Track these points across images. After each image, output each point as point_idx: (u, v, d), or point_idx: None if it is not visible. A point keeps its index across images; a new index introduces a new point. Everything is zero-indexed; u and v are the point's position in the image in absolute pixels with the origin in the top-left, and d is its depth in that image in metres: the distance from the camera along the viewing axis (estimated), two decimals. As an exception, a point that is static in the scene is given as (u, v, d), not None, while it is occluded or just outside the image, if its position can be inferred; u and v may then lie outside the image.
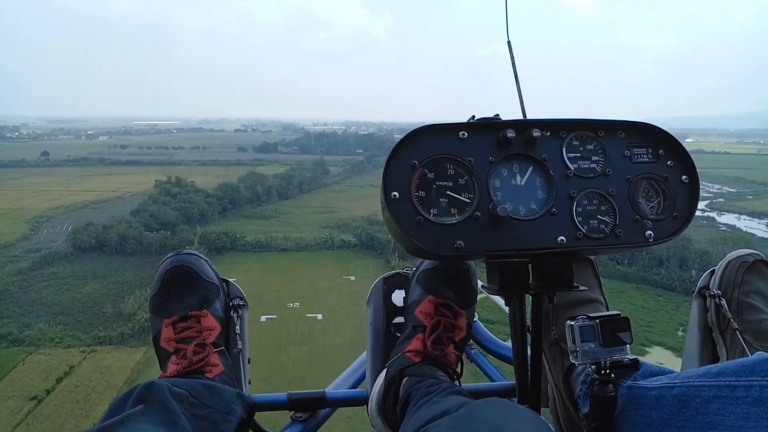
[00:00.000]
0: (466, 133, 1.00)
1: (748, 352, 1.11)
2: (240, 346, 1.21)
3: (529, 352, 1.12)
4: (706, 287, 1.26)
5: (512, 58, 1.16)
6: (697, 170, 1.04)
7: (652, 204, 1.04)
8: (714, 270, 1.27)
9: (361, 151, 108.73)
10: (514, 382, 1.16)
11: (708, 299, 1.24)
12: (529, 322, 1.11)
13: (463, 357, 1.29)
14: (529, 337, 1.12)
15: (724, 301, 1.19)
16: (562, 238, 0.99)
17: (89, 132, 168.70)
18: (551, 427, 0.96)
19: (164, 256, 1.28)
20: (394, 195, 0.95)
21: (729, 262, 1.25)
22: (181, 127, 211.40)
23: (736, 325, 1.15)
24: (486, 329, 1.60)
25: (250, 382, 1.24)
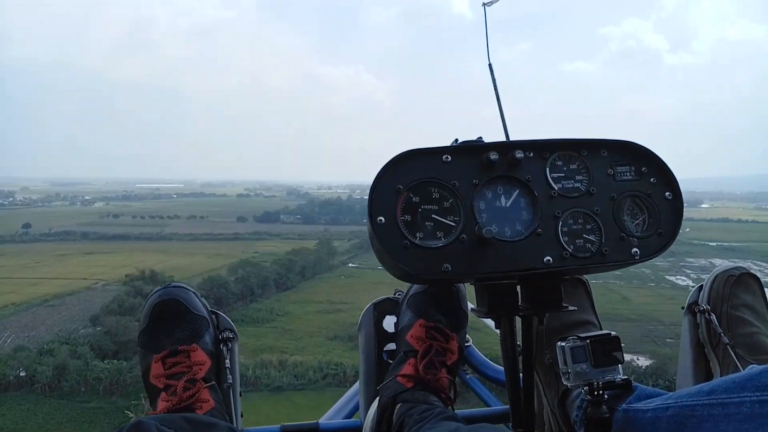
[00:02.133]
0: (449, 157, 1.01)
1: (740, 366, 1.12)
2: (230, 380, 1.20)
3: (521, 375, 1.13)
4: (695, 303, 1.26)
5: (494, 80, 1.18)
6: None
7: (637, 221, 1.04)
8: (702, 286, 1.28)
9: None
10: (509, 406, 1.16)
11: (698, 315, 1.24)
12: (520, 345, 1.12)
13: (458, 382, 1.29)
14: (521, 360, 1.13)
15: (713, 316, 1.20)
16: (548, 258, 0.99)
17: (86, 197, 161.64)
18: None
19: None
20: (380, 220, 0.95)
21: (716, 276, 1.26)
22: (182, 192, 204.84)
23: (727, 340, 1.16)
24: (480, 353, 1.54)
25: (242, 416, 1.22)
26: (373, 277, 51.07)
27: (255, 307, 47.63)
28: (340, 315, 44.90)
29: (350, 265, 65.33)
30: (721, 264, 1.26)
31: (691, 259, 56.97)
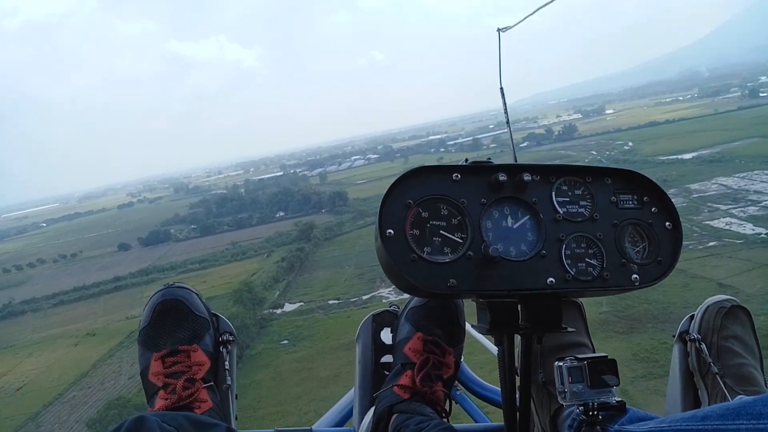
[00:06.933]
0: (459, 175, 1.03)
1: (728, 396, 1.14)
2: (229, 382, 1.21)
3: (517, 393, 1.13)
4: (686, 332, 1.28)
5: (504, 104, 1.23)
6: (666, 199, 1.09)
7: (637, 249, 1.07)
8: (693, 315, 1.30)
9: (282, 213, 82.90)
10: (502, 423, 1.17)
11: (688, 344, 1.27)
12: (517, 364, 1.13)
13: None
14: (517, 379, 1.14)
15: (704, 346, 1.22)
16: (551, 279, 1.01)
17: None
18: None
19: None
20: (389, 233, 0.97)
21: (707, 307, 1.28)
22: (54, 214, 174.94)
23: (716, 370, 1.18)
24: (471, 371, 1.58)
25: (237, 418, 1.23)
26: (339, 325, 32.96)
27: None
28: None
29: (288, 307, 39.57)
30: (714, 297, 1.30)
31: (696, 185, 45.98)
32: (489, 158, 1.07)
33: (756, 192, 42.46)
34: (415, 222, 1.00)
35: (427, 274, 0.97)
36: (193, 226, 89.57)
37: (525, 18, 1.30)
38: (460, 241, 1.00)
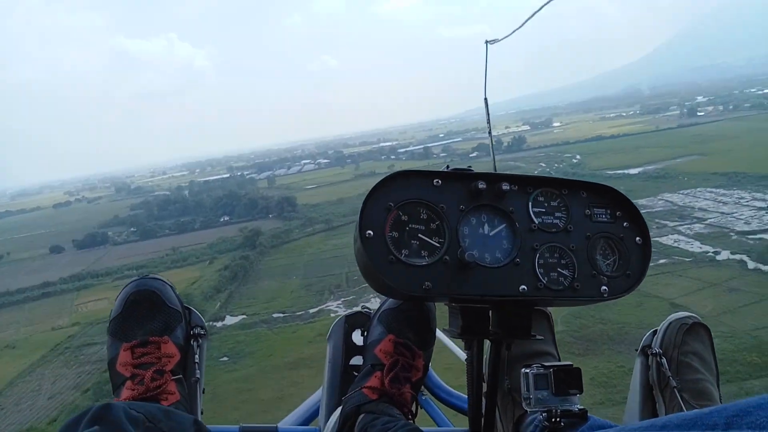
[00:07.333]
0: (440, 181, 1.05)
1: (685, 409, 1.18)
2: (198, 375, 1.21)
3: (484, 398, 1.17)
4: (649, 346, 1.32)
5: (488, 114, 1.27)
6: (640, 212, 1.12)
7: (608, 261, 1.10)
8: (656, 330, 1.34)
9: (227, 218, 79.91)
10: (467, 428, 1.21)
11: (650, 357, 1.30)
12: (485, 370, 1.17)
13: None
14: (483, 385, 1.17)
15: (664, 360, 1.26)
16: (524, 287, 1.04)
17: None
18: None
19: None
20: (369, 233, 0.99)
21: (670, 323, 1.32)
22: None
23: (675, 384, 1.21)
24: (437, 377, 1.59)
25: (202, 413, 1.24)
26: (284, 342, 30.76)
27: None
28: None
29: (229, 320, 36.89)
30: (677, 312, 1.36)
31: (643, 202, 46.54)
32: (470, 166, 1.09)
33: (701, 209, 43.37)
34: (395, 224, 1.01)
35: (404, 276, 0.99)
36: (132, 229, 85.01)
37: (513, 32, 1.32)
38: (438, 245, 1.02)
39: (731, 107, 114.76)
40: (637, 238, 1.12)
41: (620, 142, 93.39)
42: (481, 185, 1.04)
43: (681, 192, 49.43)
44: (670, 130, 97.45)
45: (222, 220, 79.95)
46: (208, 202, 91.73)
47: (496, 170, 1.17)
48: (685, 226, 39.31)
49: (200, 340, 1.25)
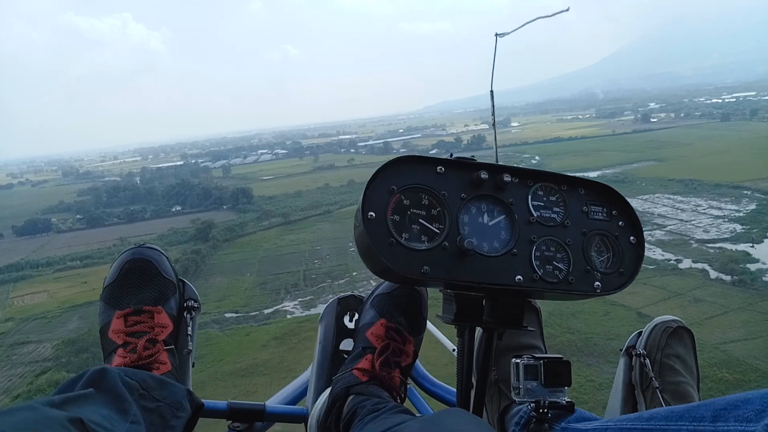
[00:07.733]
0: (443, 168, 1.07)
1: None
2: (190, 347, 1.22)
3: (473, 387, 1.20)
4: (633, 347, 1.34)
5: (493, 106, 1.31)
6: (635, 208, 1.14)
7: (602, 258, 1.13)
8: (641, 332, 1.36)
9: (179, 207, 76.74)
10: None
11: (633, 358, 1.32)
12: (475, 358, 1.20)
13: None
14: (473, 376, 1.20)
15: (648, 361, 1.28)
16: (519, 277, 1.06)
17: None
18: None
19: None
20: (371, 215, 1.01)
21: (655, 326, 1.34)
22: None
23: (657, 384, 1.24)
24: (423, 367, 1.61)
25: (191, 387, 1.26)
26: (236, 345, 29.38)
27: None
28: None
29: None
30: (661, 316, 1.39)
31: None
32: (473, 156, 1.11)
33: (660, 215, 43.72)
34: (397, 208, 1.03)
35: (403, 259, 1.01)
36: (78, 216, 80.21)
37: (522, 26, 1.36)
38: (438, 231, 1.04)
39: (682, 115, 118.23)
40: (632, 238, 1.14)
41: (578, 144, 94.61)
42: (484, 175, 1.06)
43: (640, 197, 49.78)
44: (625, 135, 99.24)
45: (174, 209, 76.64)
46: (160, 190, 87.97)
47: (498, 162, 1.17)
48: (646, 232, 38.82)
49: (193, 313, 1.25)
